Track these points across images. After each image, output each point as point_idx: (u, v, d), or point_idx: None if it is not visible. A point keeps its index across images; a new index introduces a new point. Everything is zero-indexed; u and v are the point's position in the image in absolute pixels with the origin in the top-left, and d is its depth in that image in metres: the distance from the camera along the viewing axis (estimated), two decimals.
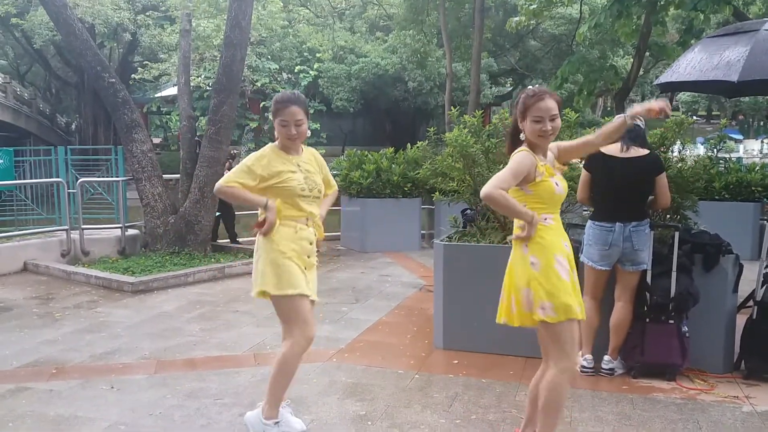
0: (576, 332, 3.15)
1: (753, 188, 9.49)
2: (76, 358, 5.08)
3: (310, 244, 3.63)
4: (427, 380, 4.63)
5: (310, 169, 3.68)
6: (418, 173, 9.72)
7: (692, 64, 4.85)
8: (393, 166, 10.32)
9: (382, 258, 9.66)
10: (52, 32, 26.18)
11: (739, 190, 9.51)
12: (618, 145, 4.53)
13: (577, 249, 4.92)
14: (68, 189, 9.87)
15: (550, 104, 3.11)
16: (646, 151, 4.53)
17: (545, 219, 3.16)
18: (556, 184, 3.16)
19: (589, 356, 4.71)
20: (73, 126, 36.25)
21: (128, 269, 8.11)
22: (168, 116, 30.16)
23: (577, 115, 5.44)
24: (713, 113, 47.85)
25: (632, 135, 4.53)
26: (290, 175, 3.57)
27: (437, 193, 6.16)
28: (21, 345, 5.42)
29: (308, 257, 3.62)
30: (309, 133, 3.63)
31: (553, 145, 3.30)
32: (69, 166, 12.66)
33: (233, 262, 8.49)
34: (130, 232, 9.65)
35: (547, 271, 3.09)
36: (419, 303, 6.92)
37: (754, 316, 4.69)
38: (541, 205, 3.15)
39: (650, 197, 4.59)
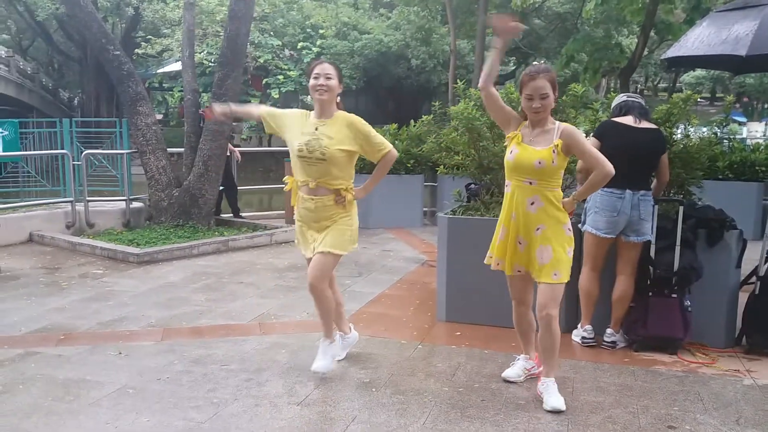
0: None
1: (757, 168, 9.46)
2: (84, 325, 5.14)
3: (310, 211, 3.87)
4: (430, 350, 4.68)
5: (328, 134, 3.78)
6: (422, 149, 9.74)
7: (700, 38, 4.84)
8: (396, 142, 10.30)
9: (384, 234, 9.69)
10: (55, 5, 25.98)
11: (743, 170, 9.49)
12: (631, 117, 4.60)
13: (576, 223, 4.96)
14: (73, 161, 9.89)
15: (541, 84, 3.44)
16: (655, 126, 4.63)
17: (507, 184, 3.69)
18: (511, 152, 3.57)
19: (589, 326, 4.76)
20: (76, 101, 36.20)
21: (133, 241, 8.16)
22: (170, 92, 30.05)
23: (584, 89, 5.43)
24: (717, 95, 47.43)
25: (642, 111, 4.67)
26: (294, 133, 3.84)
27: (441, 167, 6.16)
28: (29, 312, 5.48)
29: (315, 222, 3.88)
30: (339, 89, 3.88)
31: (571, 132, 3.53)
32: (73, 139, 12.63)
33: (237, 236, 8.52)
34: (135, 204, 9.71)
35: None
36: (421, 277, 6.96)
37: (757, 292, 4.72)
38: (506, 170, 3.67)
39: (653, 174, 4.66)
